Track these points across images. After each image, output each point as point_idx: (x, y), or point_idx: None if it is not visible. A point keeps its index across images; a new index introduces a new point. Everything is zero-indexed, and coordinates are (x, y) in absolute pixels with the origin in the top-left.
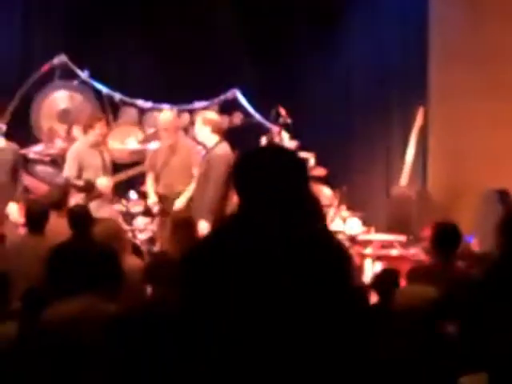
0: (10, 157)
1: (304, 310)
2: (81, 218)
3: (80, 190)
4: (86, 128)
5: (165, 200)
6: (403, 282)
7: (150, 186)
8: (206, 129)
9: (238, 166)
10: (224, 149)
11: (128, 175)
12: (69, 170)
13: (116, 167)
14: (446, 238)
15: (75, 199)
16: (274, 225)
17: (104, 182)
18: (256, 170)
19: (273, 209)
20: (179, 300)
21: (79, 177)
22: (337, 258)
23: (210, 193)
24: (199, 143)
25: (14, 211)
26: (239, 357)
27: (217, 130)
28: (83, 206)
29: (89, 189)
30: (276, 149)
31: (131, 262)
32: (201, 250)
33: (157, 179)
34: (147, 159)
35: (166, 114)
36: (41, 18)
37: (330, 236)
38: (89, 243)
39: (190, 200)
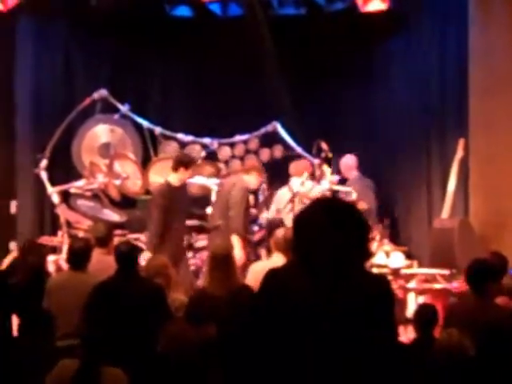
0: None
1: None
2: (128, 255)
3: None
4: None
5: None
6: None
7: None
8: None
9: (299, 219)
10: None
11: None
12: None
13: None
14: (478, 274)
15: None
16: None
17: None
18: (316, 225)
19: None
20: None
21: None
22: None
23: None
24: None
25: None
26: None
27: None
28: (130, 243)
29: None
30: (333, 202)
31: (175, 297)
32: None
33: None
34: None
35: None
36: (82, 52)
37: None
38: (134, 280)
39: None
